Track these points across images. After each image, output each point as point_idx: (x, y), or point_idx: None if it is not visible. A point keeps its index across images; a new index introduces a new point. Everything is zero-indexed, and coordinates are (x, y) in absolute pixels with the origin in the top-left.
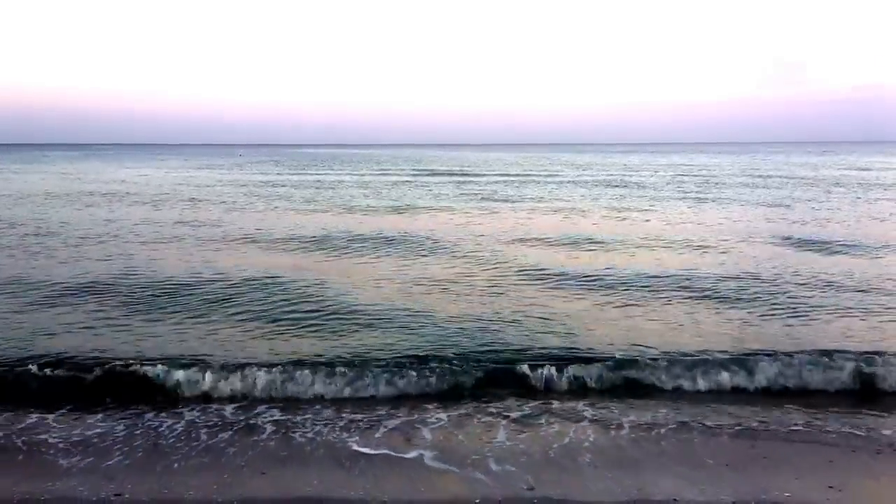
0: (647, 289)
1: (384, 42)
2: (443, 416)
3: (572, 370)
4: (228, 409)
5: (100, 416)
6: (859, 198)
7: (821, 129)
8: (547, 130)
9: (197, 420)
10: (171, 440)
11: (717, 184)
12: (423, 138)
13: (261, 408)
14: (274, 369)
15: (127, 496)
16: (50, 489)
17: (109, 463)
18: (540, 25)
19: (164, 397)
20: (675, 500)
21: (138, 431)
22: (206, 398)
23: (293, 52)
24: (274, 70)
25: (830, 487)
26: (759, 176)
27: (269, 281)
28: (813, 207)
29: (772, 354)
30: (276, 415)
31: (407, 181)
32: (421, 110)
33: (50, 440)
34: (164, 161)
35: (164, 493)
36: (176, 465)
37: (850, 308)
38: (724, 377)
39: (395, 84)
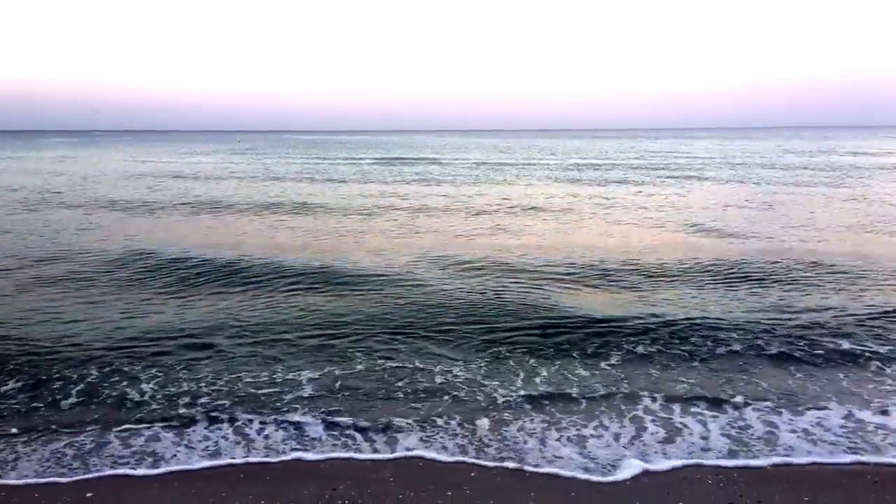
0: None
1: (388, 31)
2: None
3: None
4: None
5: None
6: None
7: (812, 113)
8: (548, 117)
9: None
10: None
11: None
12: (428, 125)
13: None
14: None
15: None
16: None
17: None
18: (537, 15)
19: None
20: (684, 478)
21: None
22: None
23: (299, 42)
24: (280, 60)
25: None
26: (721, 161)
27: None
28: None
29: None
30: None
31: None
32: (424, 98)
33: None
34: (154, 147)
35: None
36: None
37: None
38: None
39: (400, 73)
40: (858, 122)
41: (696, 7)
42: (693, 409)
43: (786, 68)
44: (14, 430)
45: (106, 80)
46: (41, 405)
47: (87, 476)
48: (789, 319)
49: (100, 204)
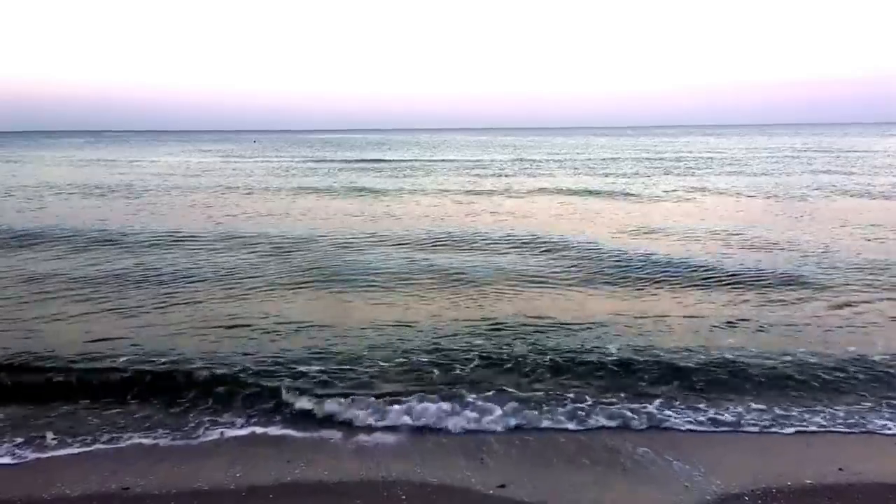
0: None
1: (403, 30)
2: None
3: None
4: None
5: None
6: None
7: (834, 111)
8: (563, 115)
9: None
10: None
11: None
12: (448, 122)
13: None
14: None
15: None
16: None
17: None
18: (556, 12)
19: None
20: (686, 485)
21: None
22: None
23: (313, 41)
24: (295, 60)
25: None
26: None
27: None
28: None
29: None
30: None
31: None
32: (436, 97)
33: None
34: (164, 146)
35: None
36: None
37: None
38: None
39: (415, 72)
40: (879, 119)
41: (712, 3)
42: None
43: (804, 65)
44: None
45: (120, 80)
46: None
47: None
48: None
49: None
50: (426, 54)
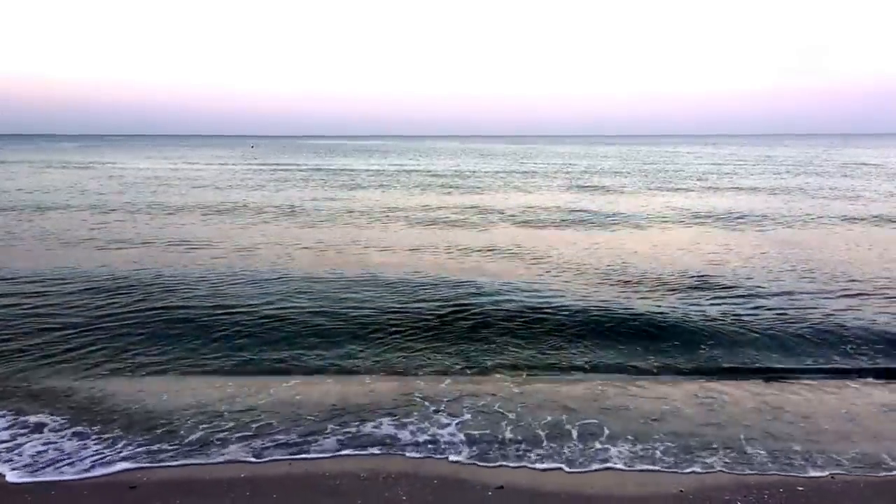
0: None
1: (407, 32)
2: None
3: None
4: None
5: None
6: None
7: (845, 120)
8: (567, 122)
9: None
10: None
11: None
12: (444, 130)
13: None
14: None
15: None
16: None
17: None
18: (555, 13)
19: None
20: (681, 489)
21: None
22: None
23: (316, 44)
24: (299, 63)
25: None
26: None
27: None
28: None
29: None
30: None
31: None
32: (441, 102)
33: None
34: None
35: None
36: None
37: None
38: None
39: (421, 77)
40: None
41: (716, 8)
42: None
43: (815, 73)
44: None
45: (126, 82)
46: None
47: None
48: None
49: None
50: (442, 60)
